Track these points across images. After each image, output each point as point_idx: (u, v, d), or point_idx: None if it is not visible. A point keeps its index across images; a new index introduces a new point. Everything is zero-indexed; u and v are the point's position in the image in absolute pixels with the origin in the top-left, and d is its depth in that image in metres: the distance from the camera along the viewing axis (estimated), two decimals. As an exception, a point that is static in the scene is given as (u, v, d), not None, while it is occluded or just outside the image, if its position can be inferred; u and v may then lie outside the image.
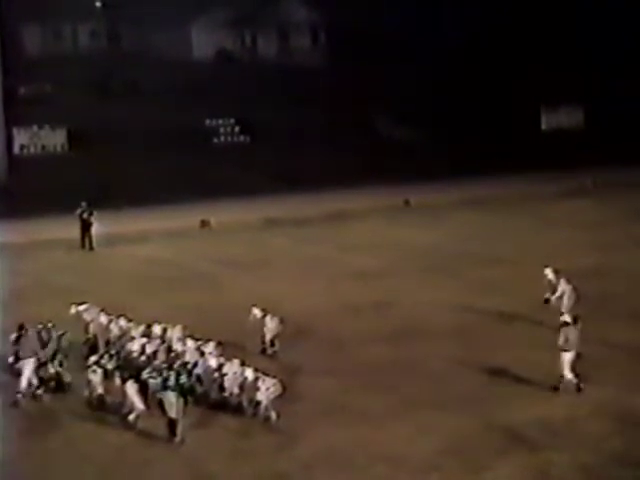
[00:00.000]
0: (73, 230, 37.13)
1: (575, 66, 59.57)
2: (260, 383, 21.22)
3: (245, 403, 21.49)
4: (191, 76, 63.85)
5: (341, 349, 25.76)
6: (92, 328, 24.73)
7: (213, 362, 22.22)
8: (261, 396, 21.13)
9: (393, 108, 58.81)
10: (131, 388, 21.02)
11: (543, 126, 60.41)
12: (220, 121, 56.38)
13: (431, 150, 52.63)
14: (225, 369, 21.85)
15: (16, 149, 53.30)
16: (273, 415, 21.12)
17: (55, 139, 54.79)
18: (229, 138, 56.25)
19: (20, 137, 54.08)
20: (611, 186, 45.60)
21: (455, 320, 28.01)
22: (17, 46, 63.66)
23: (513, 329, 27.17)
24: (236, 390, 21.62)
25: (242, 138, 56.26)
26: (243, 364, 21.75)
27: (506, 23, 61.75)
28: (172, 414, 20.45)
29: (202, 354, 22.56)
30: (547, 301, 27.19)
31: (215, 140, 55.77)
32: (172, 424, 20.50)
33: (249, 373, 21.49)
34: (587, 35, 60.75)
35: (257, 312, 25.07)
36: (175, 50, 74.27)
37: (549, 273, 27.27)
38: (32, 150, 53.90)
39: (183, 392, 20.70)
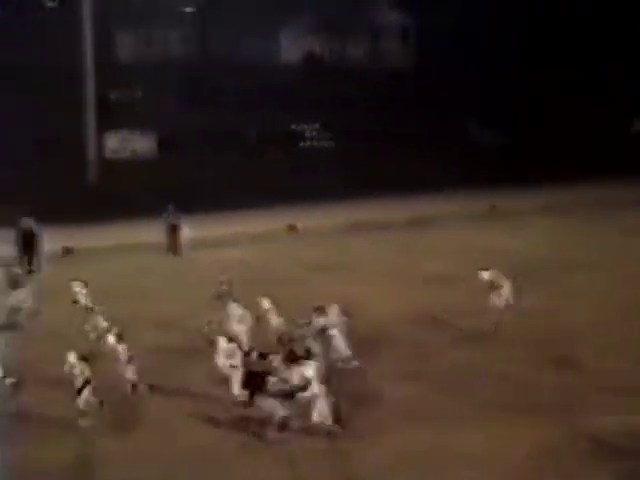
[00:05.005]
0: (161, 234, 37.68)
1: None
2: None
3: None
4: (279, 80, 64.37)
5: (420, 354, 25.77)
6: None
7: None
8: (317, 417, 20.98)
9: (482, 111, 58.50)
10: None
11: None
12: (307, 125, 56.65)
13: (520, 155, 52.20)
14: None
15: (107, 153, 54.30)
16: (336, 428, 20.99)
17: (145, 143, 55.70)
18: (315, 142, 56.48)
19: (111, 141, 55.10)
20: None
21: (542, 326, 27.80)
22: (109, 52, 64.86)
23: (601, 336, 26.88)
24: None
25: (328, 142, 56.45)
26: None
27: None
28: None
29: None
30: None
31: (301, 144, 56.04)
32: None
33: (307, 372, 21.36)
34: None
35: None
36: (264, 54, 74.97)
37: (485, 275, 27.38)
38: (122, 154, 54.82)
39: None
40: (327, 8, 78.79)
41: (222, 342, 22.46)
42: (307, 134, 56.45)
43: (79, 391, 20.93)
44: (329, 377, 22.32)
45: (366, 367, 24.26)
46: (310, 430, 20.83)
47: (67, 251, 36.66)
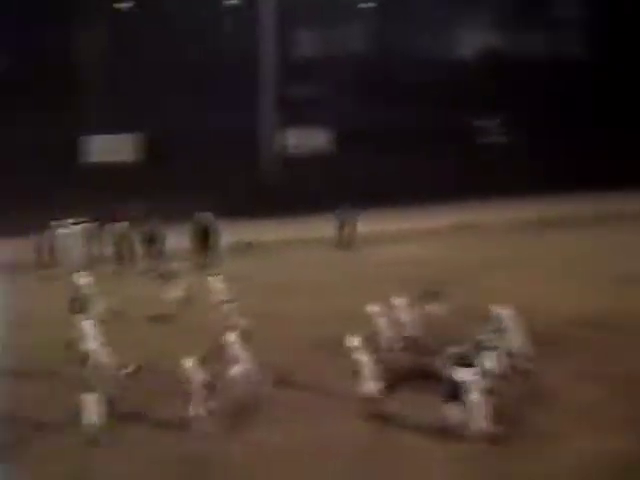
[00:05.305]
0: (335, 229, 37.99)
1: None
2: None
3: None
4: (456, 75, 63.89)
5: (599, 356, 25.14)
6: None
7: None
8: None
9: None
10: None
11: None
12: (485, 121, 56.10)
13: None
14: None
15: (286, 149, 55.04)
16: (496, 432, 20.49)
17: (323, 139, 56.22)
18: (494, 138, 55.87)
19: (292, 138, 55.83)
20: None
21: None
22: (289, 48, 65.70)
23: None
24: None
25: (507, 137, 55.77)
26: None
27: None
28: None
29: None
30: None
31: (480, 140, 55.49)
32: None
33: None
34: None
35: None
36: (442, 49, 74.60)
37: None
38: (301, 150, 55.48)
39: None
40: (505, 1, 77.86)
41: (351, 339, 22.24)
42: (485, 130, 55.88)
43: (191, 396, 20.56)
44: (502, 376, 22.04)
45: (544, 367, 23.75)
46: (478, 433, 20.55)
47: (247, 245, 37.38)
